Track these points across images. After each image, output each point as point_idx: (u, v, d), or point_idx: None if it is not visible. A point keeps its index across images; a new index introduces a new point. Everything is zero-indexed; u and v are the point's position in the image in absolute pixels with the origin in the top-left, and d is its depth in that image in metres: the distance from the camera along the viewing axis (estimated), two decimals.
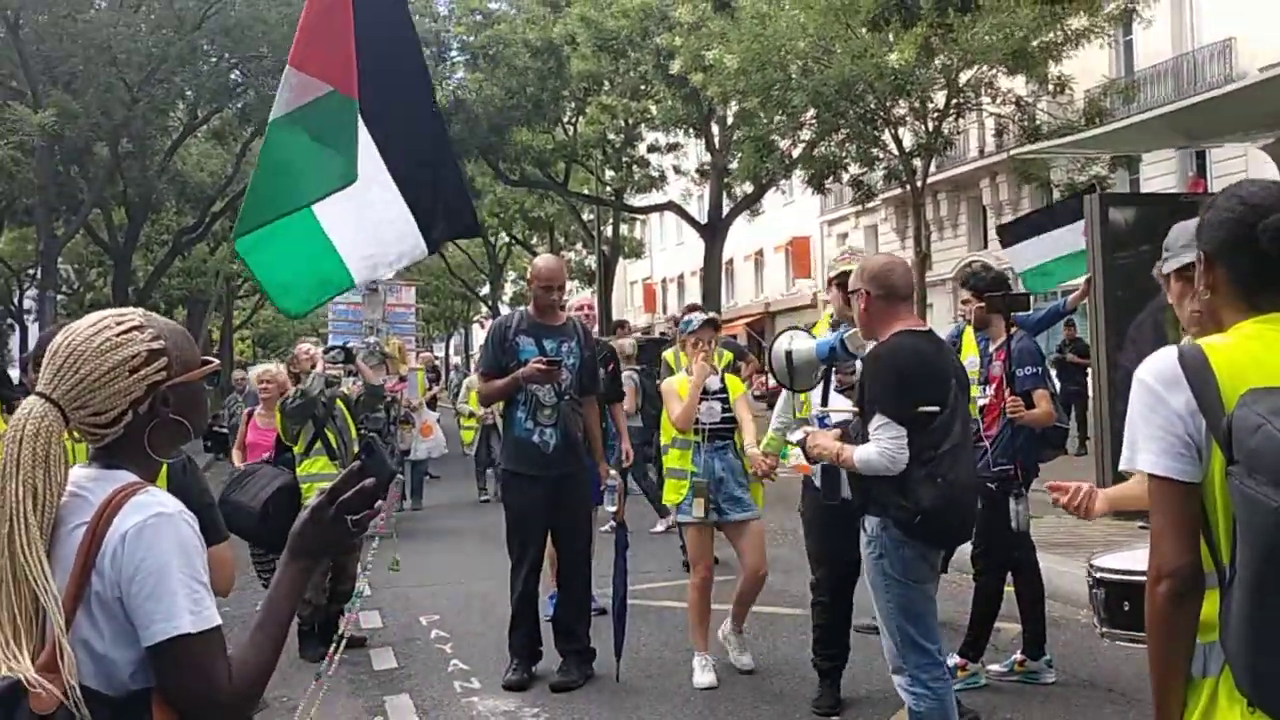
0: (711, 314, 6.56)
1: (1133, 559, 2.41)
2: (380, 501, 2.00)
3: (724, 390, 6.03)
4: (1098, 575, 3.25)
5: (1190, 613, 1.93)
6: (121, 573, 1.73)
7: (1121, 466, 2.07)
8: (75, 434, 1.84)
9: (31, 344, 28.18)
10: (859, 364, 4.08)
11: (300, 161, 5.09)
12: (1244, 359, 1.92)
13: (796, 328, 5.05)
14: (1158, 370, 1.98)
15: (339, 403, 6.90)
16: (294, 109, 5.12)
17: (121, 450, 1.86)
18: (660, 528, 10.55)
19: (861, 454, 3.82)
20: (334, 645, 5.01)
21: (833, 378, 4.94)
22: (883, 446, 3.76)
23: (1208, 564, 1.93)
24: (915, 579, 3.91)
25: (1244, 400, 1.84)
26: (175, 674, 1.74)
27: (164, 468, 2.86)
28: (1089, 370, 16.15)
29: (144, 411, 1.85)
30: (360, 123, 5.14)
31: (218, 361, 2.15)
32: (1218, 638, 1.89)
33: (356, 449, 6.72)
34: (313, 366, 7.16)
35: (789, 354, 4.12)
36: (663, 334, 15.43)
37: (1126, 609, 2.94)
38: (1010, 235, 10.94)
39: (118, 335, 1.85)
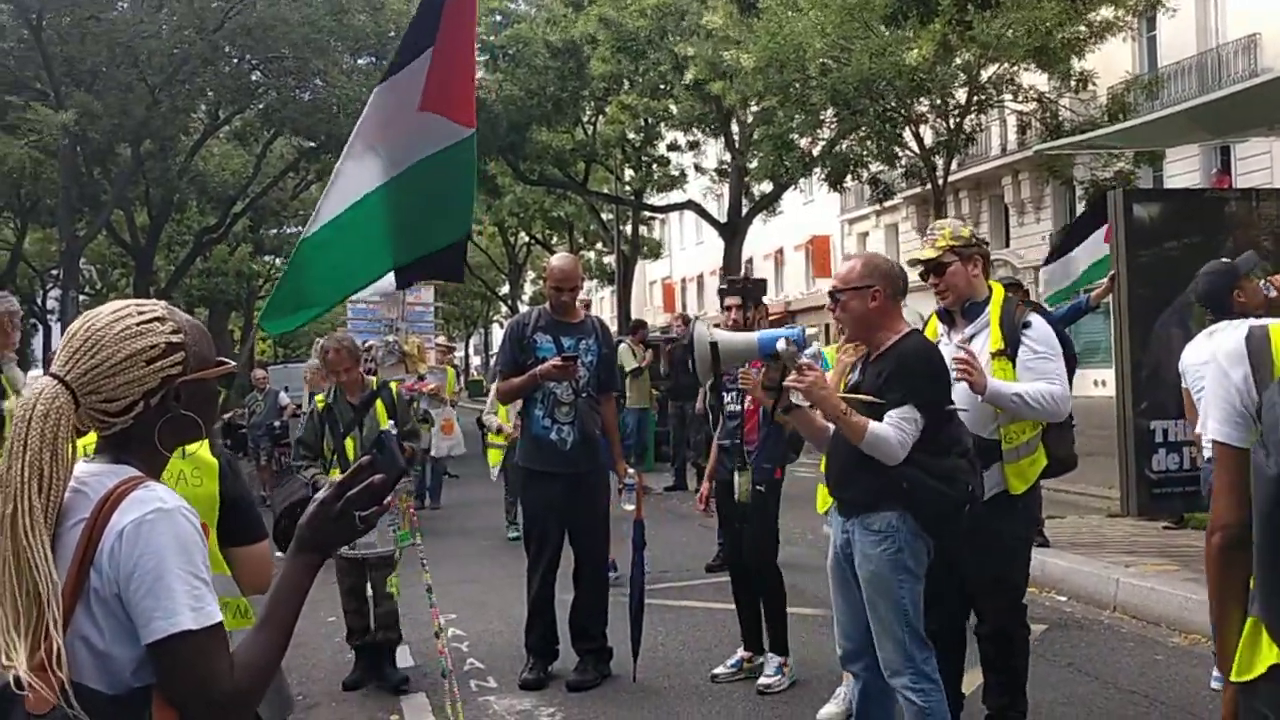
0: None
1: None
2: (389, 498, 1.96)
3: None
4: None
5: (1236, 561, 2.15)
6: (120, 570, 1.70)
7: (1197, 431, 2.57)
8: (83, 422, 1.80)
9: (55, 344, 28.37)
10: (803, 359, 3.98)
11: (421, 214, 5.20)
12: None
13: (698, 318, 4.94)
14: (1226, 348, 2.24)
15: (378, 404, 6.35)
16: (433, 153, 5.17)
17: (129, 443, 1.83)
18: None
19: (881, 430, 3.75)
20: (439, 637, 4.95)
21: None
22: (902, 436, 3.76)
23: None
24: (924, 572, 3.94)
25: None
26: (175, 671, 1.70)
27: (215, 466, 2.86)
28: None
29: (155, 404, 1.83)
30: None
31: (233, 363, 2.11)
32: None
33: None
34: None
35: (714, 345, 4.04)
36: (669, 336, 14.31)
37: None
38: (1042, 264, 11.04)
39: (139, 324, 1.83)
